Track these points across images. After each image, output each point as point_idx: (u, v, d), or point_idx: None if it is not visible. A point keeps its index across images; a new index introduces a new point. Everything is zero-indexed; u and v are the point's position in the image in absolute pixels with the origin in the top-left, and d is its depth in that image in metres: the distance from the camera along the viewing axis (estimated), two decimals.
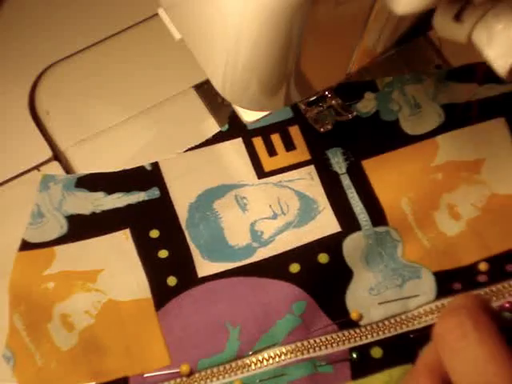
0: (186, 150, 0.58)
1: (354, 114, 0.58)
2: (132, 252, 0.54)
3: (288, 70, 0.45)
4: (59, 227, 0.55)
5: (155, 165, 0.57)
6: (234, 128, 0.58)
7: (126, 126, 0.60)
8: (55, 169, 0.59)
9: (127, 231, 0.55)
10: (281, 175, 0.57)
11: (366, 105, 0.59)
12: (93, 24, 0.64)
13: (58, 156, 0.60)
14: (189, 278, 0.53)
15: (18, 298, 0.52)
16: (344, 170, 0.56)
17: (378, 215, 0.55)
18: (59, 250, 0.54)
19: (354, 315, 0.52)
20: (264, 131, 0.58)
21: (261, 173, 0.57)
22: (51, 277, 0.53)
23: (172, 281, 0.53)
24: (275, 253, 0.54)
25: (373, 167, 0.57)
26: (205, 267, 0.54)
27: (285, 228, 0.55)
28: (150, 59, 0.62)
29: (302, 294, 0.52)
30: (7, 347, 0.51)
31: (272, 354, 0.51)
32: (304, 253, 0.54)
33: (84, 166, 0.59)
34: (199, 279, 0.53)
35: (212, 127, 0.60)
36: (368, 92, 0.59)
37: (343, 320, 0.51)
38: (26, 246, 0.54)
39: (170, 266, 0.54)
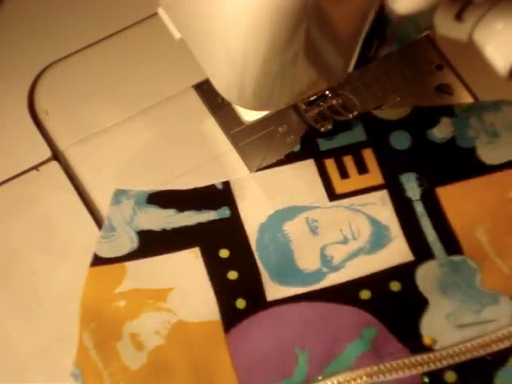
0: (258, 170, 0.57)
1: (355, 113, 0.58)
2: (202, 272, 0.54)
3: (289, 70, 0.45)
4: (130, 242, 0.55)
5: (226, 184, 0.57)
6: (306, 148, 0.58)
7: (126, 125, 0.60)
8: (54, 168, 0.58)
9: (197, 250, 0.55)
10: (352, 198, 0.56)
11: (442, 130, 0.58)
12: (92, 23, 0.64)
13: (57, 156, 0.60)
14: (258, 301, 0.53)
15: (89, 315, 0.52)
16: (418, 197, 0.56)
17: (452, 244, 0.54)
18: (130, 265, 0.54)
19: (426, 340, 0.51)
20: (336, 153, 0.57)
21: (332, 195, 0.56)
22: (123, 295, 0.53)
23: (241, 303, 0.53)
24: (345, 279, 0.53)
25: (447, 195, 0.56)
26: (274, 290, 0.53)
27: (355, 254, 0.54)
28: (150, 59, 0.62)
29: (373, 320, 0.51)
30: (76, 365, 0.51)
31: (341, 380, 0.50)
32: (375, 280, 0.53)
33: (83, 165, 0.59)
34: (268, 303, 0.53)
35: (212, 127, 0.60)
36: (444, 117, 0.58)
37: (415, 345, 0.51)
38: (98, 261, 0.54)
39: (239, 288, 0.53)
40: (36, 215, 0.57)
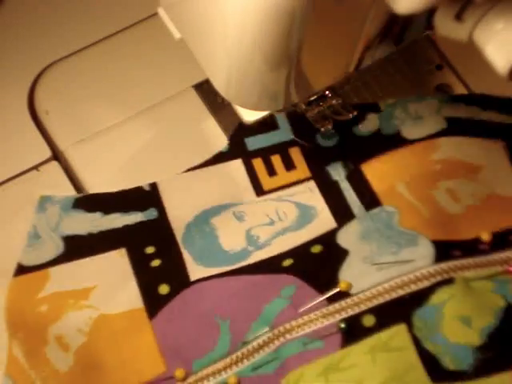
0: (185, 171, 0.57)
1: (355, 113, 0.58)
2: (126, 267, 0.54)
3: (289, 70, 0.45)
4: (55, 249, 0.54)
5: (153, 185, 0.57)
6: (234, 149, 0.58)
7: (126, 125, 0.60)
8: (54, 168, 0.58)
9: (123, 250, 0.54)
10: (280, 192, 0.56)
11: (368, 125, 0.58)
12: (92, 23, 0.64)
13: (57, 156, 0.60)
14: (181, 284, 0.53)
15: (15, 325, 0.52)
16: (343, 177, 0.56)
17: (372, 202, 0.54)
18: (53, 271, 0.54)
19: (342, 285, 0.50)
20: (264, 152, 0.58)
21: (260, 191, 0.57)
22: (44, 299, 0.52)
23: (164, 288, 0.53)
24: (271, 254, 0.54)
25: (371, 167, 0.56)
26: (198, 272, 0.53)
27: (282, 232, 0.55)
28: (150, 59, 0.62)
29: (293, 279, 0.51)
30: (7, 375, 0.50)
31: (261, 342, 0.50)
32: (298, 249, 0.53)
33: (83, 165, 0.59)
34: (191, 282, 0.53)
35: (212, 127, 0.60)
36: (370, 113, 0.59)
37: (331, 292, 0.50)
38: (21, 270, 0.54)
39: (162, 274, 0.53)
40: None
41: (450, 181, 0.55)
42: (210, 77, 0.50)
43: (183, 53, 0.52)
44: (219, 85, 0.49)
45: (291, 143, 0.58)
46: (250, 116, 0.58)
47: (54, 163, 0.59)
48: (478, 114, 0.58)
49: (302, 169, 0.57)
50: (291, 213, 0.55)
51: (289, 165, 0.57)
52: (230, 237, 0.55)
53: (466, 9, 0.40)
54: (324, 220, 0.55)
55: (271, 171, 0.57)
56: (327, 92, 0.58)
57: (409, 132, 0.58)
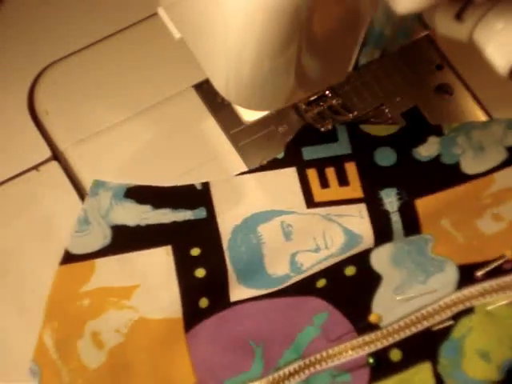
0: (239, 174, 0.57)
1: (355, 113, 0.58)
2: (170, 269, 0.54)
3: (289, 70, 0.45)
4: (103, 237, 0.55)
5: (205, 185, 0.57)
6: (289, 157, 0.57)
7: (126, 125, 0.60)
8: (54, 168, 0.58)
9: (169, 248, 0.54)
10: (330, 208, 0.56)
11: (429, 148, 0.57)
12: (92, 23, 0.64)
13: (57, 156, 0.60)
14: (221, 302, 0.53)
15: (53, 313, 0.52)
16: (395, 209, 0.55)
17: (412, 229, 0.54)
18: (100, 263, 0.54)
19: (372, 318, 0.50)
20: (320, 163, 0.57)
21: (310, 202, 0.56)
22: (88, 294, 0.53)
23: (204, 302, 0.53)
24: (305, 275, 0.53)
25: (425, 204, 0.55)
26: (238, 292, 0.53)
27: (325, 259, 0.54)
28: (150, 59, 0.62)
29: (325, 305, 0.51)
30: (33, 361, 0.51)
31: (292, 369, 0.50)
32: (331, 269, 0.53)
33: (83, 165, 0.59)
34: (231, 303, 0.53)
35: (212, 127, 0.60)
36: (432, 136, 0.58)
37: (361, 324, 0.50)
38: (68, 258, 0.54)
39: (204, 287, 0.53)
40: (36, 215, 0.57)
41: (498, 207, 0.54)
42: (210, 77, 0.50)
43: (183, 53, 0.52)
44: (219, 85, 0.49)
45: (348, 157, 0.57)
46: (249, 116, 0.58)
47: (54, 163, 0.59)
48: None
49: (355, 187, 0.56)
50: (338, 239, 0.55)
51: (342, 180, 0.57)
52: (275, 259, 0.54)
53: (466, 9, 0.40)
54: (366, 246, 0.54)
55: (324, 183, 0.57)
56: (327, 92, 0.58)
57: (468, 166, 0.57)
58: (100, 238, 0.55)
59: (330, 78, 0.51)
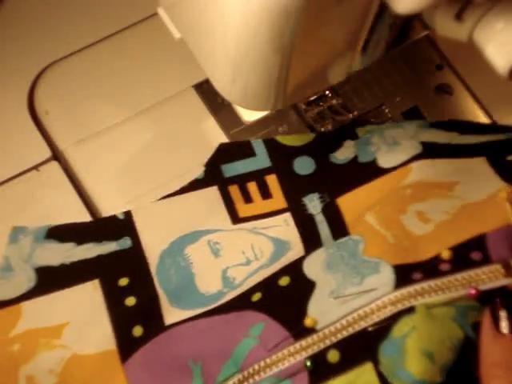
0: (160, 199, 0.57)
1: (355, 113, 0.58)
2: (98, 302, 0.53)
3: (289, 70, 0.45)
4: (27, 281, 0.54)
5: (128, 214, 0.56)
6: (210, 176, 0.57)
7: (126, 125, 0.60)
8: (54, 168, 0.58)
9: (96, 282, 0.54)
10: (256, 222, 0.56)
11: (345, 152, 0.58)
12: (92, 23, 0.64)
13: (57, 156, 0.60)
14: (155, 327, 0.52)
15: None
16: (319, 210, 0.56)
17: (341, 231, 0.54)
18: (26, 306, 0.53)
19: (308, 322, 0.49)
20: (240, 179, 0.57)
21: (235, 218, 0.56)
22: (17, 338, 0.52)
23: (138, 331, 0.52)
24: (241, 291, 0.53)
25: (347, 201, 0.56)
26: (173, 315, 0.53)
27: (257, 270, 0.54)
28: (150, 59, 0.62)
29: (261, 316, 0.51)
30: None
31: None
32: (266, 281, 0.53)
33: (83, 165, 0.59)
34: (166, 327, 0.52)
35: (212, 127, 0.60)
36: (347, 140, 0.58)
37: (297, 329, 0.49)
38: None
39: (136, 315, 0.53)
40: (36, 215, 0.57)
41: (421, 203, 0.54)
42: (210, 77, 0.50)
43: (183, 53, 0.52)
44: (219, 85, 0.49)
45: (268, 170, 0.58)
46: (249, 116, 0.58)
47: (54, 163, 0.59)
48: (456, 139, 0.58)
49: (278, 198, 0.57)
50: (267, 249, 0.55)
51: (265, 193, 0.57)
52: (206, 277, 0.54)
53: (466, 9, 0.40)
54: (296, 252, 0.54)
55: (247, 198, 0.57)
56: (327, 92, 0.58)
57: (384, 160, 0.57)
58: (24, 281, 0.54)
59: (330, 78, 0.51)
